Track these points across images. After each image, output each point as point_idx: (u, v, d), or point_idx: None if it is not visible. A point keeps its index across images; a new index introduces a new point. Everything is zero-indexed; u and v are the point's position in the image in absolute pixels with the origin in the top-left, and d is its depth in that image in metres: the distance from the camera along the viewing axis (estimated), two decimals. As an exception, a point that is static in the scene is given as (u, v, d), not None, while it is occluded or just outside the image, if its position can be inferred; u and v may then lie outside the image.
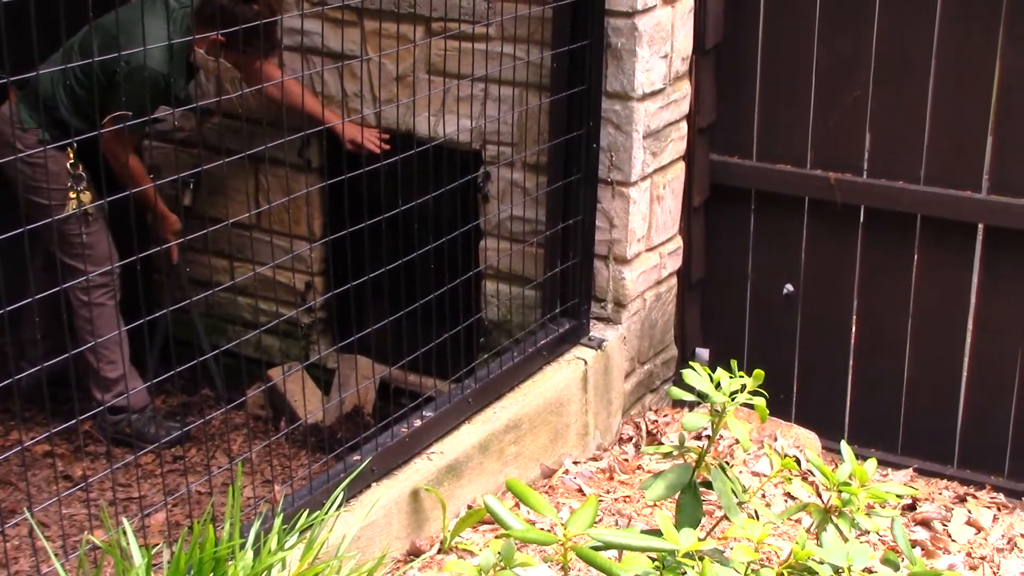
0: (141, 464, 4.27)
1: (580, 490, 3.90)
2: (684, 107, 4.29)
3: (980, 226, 4.15)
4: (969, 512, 3.97)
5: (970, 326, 4.23)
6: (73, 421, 2.86)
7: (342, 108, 4.46)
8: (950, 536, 3.81)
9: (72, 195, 4.22)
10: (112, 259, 4.35)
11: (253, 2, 4.05)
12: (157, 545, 3.00)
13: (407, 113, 4.25)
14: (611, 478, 4.01)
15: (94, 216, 4.30)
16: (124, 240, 4.27)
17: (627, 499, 3.86)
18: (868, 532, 2.94)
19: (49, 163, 4.15)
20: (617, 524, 3.69)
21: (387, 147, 4.31)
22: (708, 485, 2.75)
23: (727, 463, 3.16)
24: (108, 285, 4.39)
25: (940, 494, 4.16)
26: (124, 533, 2.78)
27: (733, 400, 2.71)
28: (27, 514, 2.82)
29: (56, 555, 2.80)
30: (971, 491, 4.18)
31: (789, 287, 4.47)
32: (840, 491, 2.69)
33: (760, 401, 2.73)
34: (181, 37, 4.16)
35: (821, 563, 2.48)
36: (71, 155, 4.19)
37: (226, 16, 4.00)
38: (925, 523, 3.86)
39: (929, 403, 4.35)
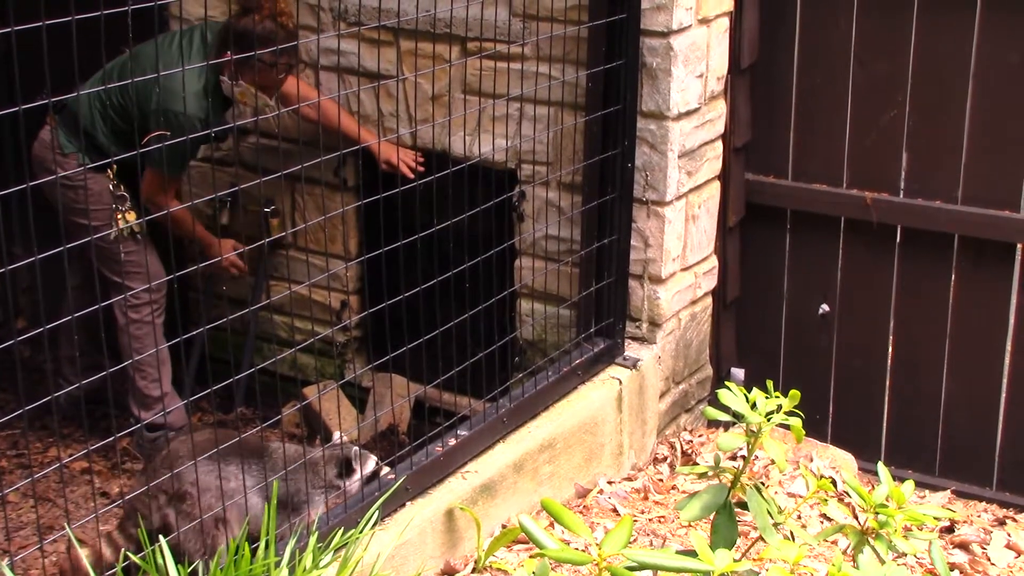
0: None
1: (615, 510, 3.89)
2: (719, 126, 4.28)
3: (1019, 246, 4.12)
4: (1009, 535, 3.93)
5: (1008, 346, 4.20)
6: (111, 438, 2.88)
7: (378, 128, 4.49)
8: (989, 559, 3.77)
9: (119, 215, 4.24)
10: (159, 276, 4.38)
11: (255, 13, 3.98)
12: (194, 563, 3.02)
13: (442, 132, 4.27)
14: (646, 498, 3.99)
15: (141, 234, 4.34)
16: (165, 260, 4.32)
17: (662, 519, 3.85)
18: (905, 555, 2.92)
19: (90, 184, 4.19)
20: (652, 544, 3.68)
21: (421, 169, 4.33)
22: (743, 506, 2.74)
23: (763, 484, 3.15)
24: (156, 303, 4.42)
25: (979, 516, 4.12)
26: (161, 550, 2.80)
27: (769, 420, 2.70)
28: (67, 530, 2.85)
29: (94, 571, 2.82)
30: (1010, 514, 4.14)
31: (825, 307, 4.45)
32: (877, 513, 2.67)
33: (796, 422, 2.72)
34: (214, 70, 4.17)
35: (858, 585, 2.46)
36: (112, 176, 4.22)
37: (235, 35, 4.01)
38: (964, 546, 3.82)
39: (967, 424, 4.31)
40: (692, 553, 2.42)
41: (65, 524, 2.97)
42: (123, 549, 3.08)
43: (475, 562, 3.47)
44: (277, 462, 3.28)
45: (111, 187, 4.24)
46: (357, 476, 3.39)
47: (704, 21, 4.06)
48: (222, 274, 4.66)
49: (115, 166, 4.18)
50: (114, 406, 3.12)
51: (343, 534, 3.06)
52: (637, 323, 4.22)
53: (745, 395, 2.73)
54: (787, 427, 2.73)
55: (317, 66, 4.49)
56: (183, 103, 3.98)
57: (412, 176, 4.24)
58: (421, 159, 4.38)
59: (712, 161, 4.29)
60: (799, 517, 3.86)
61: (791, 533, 2.86)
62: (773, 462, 3.68)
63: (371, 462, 3.42)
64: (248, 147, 4.74)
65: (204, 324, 3.82)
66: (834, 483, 3.97)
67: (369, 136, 4.38)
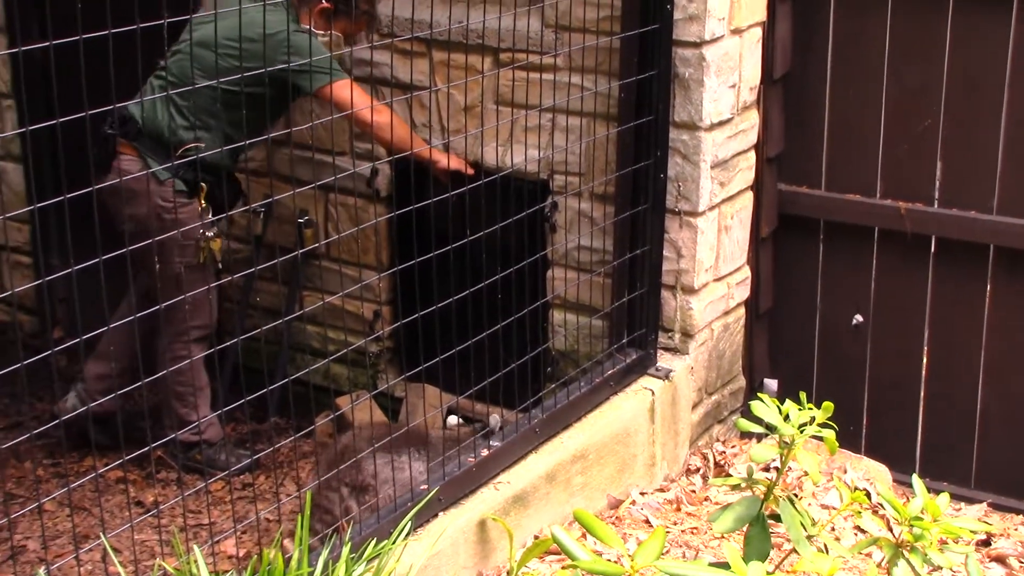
0: (211, 491, 4.32)
1: (647, 521, 3.88)
2: (752, 137, 4.27)
3: (1055, 256, 4.10)
4: (1046, 548, 3.89)
5: (1045, 358, 4.17)
6: (146, 448, 2.90)
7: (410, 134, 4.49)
8: (1026, 573, 3.74)
9: (202, 244, 4.12)
10: (212, 307, 4.34)
11: None
12: (227, 572, 3.04)
13: (475, 143, 4.27)
14: (678, 509, 3.98)
15: (218, 264, 4.23)
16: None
17: (695, 531, 3.84)
18: (941, 568, 2.89)
19: (184, 211, 4.05)
20: (684, 556, 3.66)
21: (472, 171, 4.22)
22: (776, 518, 2.73)
23: (796, 495, 3.13)
24: (208, 339, 4.37)
25: (1016, 530, 4.08)
26: (195, 560, 2.82)
27: (802, 432, 2.69)
28: (102, 539, 2.87)
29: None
30: (1047, 527, 4.10)
31: (858, 318, 4.43)
32: (912, 526, 2.65)
33: (829, 433, 2.70)
34: (295, 21, 4.09)
35: (893, 599, 2.44)
36: (202, 200, 4.11)
37: None
38: (1001, 560, 3.79)
39: (1003, 436, 4.27)
40: (725, 565, 2.41)
41: (100, 533, 2.99)
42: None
43: (507, 573, 3.47)
44: (438, 447, 3.50)
45: (200, 212, 4.12)
46: (497, 443, 3.62)
47: (737, 31, 4.05)
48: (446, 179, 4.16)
49: (205, 188, 4.08)
50: (149, 417, 3.15)
51: (376, 545, 3.07)
52: (669, 334, 4.21)
53: (778, 406, 2.72)
54: (820, 438, 2.71)
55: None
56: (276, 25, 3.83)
57: (472, 172, 4.14)
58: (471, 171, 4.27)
59: (745, 171, 4.28)
60: (833, 529, 3.83)
61: (825, 545, 2.85)
62: (806, 474, 3.66)
63: (494, 419, 3.69)
64: (282, 157, 4.77)
65: (238, 334, 3.83)
66: (868, 495, 3.95)
67: (421, 144, 4.25)
